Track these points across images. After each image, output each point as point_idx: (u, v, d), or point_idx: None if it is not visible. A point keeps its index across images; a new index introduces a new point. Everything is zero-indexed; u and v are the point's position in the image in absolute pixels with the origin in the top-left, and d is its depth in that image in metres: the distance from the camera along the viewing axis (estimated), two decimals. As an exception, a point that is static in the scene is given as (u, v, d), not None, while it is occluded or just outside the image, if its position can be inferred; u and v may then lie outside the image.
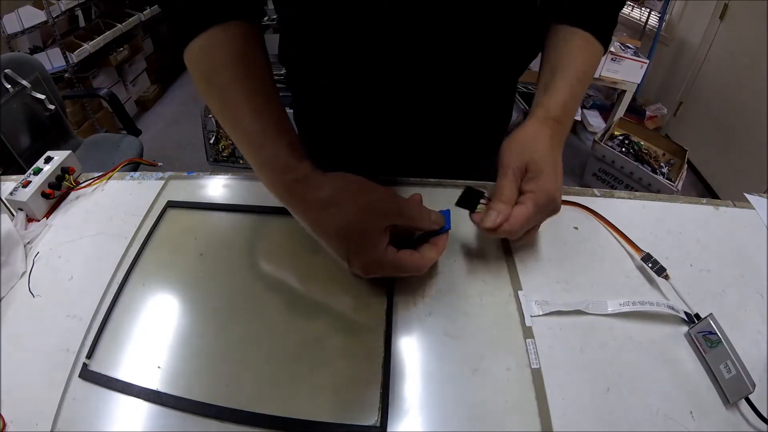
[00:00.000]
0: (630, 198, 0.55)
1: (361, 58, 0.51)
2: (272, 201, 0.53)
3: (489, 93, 0.57)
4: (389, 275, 0.40)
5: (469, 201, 0.43)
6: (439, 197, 0.54)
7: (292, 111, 0.64)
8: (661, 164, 1.99)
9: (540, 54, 0.52)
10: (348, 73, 0.55)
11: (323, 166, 0.41)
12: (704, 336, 0.39)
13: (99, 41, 2.25)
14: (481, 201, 0.43)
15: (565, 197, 0.52)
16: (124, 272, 0.46)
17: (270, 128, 0.40)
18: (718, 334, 0.37)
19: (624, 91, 2.17)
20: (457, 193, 0.42)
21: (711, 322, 0.38)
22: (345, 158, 0.65)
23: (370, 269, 0.38)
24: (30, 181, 0.53)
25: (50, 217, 0.54)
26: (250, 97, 0.40)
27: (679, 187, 1.82)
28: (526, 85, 1.95)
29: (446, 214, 0.42)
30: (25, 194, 0.52)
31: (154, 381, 0.38)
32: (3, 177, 0.59)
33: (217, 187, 0.57)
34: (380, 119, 0.58)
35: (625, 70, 2.05)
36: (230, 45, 0.40)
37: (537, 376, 0.37)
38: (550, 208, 0.42)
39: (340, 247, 0.38)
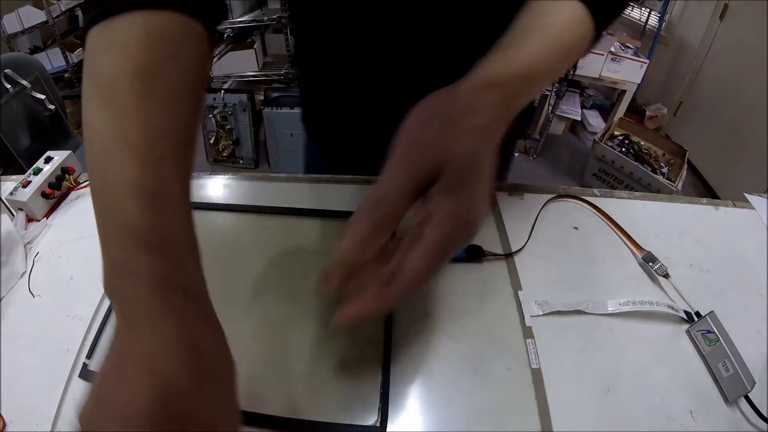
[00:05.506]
0: (630, 198, 0.55)
1: (352, 52, 0.51)
2: (272, 201, 0.54)
3: None
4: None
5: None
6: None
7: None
8: (661, 164, 1.99)
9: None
10: (339, 66, 0.55)
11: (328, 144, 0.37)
12: (703, 335, 0.39)
13: (99, 41, 2.25)
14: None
15: (566, 193, 0.52)
16: (124, 272, 0.46)
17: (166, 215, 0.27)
18: (716, 332, 0.37)
19: (624, 91, 2.18)
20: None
21: (709, 320, 0.38)
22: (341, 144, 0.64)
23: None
24: (30, 181, 0.53)
25: (50, 217, 0.54)
26: (156, 137, 0.27)
27: (679, 187, 1.82)
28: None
29: None
30: (25, 194, 0.52)
31: (154, 381, 0.37)
32: (3, 177, 0.59)
33: (217, 187, 0.57)
34: (368, 110, 0.58)
35: (625, 70, 2.06)
36: (163, 47, 0.28)
37: (537, 376, 0.37)
38: (466, 237, 0.27)
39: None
